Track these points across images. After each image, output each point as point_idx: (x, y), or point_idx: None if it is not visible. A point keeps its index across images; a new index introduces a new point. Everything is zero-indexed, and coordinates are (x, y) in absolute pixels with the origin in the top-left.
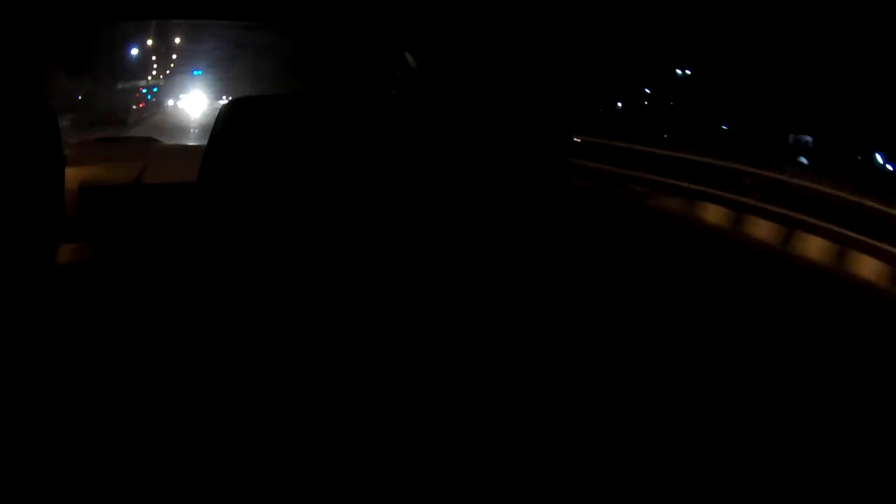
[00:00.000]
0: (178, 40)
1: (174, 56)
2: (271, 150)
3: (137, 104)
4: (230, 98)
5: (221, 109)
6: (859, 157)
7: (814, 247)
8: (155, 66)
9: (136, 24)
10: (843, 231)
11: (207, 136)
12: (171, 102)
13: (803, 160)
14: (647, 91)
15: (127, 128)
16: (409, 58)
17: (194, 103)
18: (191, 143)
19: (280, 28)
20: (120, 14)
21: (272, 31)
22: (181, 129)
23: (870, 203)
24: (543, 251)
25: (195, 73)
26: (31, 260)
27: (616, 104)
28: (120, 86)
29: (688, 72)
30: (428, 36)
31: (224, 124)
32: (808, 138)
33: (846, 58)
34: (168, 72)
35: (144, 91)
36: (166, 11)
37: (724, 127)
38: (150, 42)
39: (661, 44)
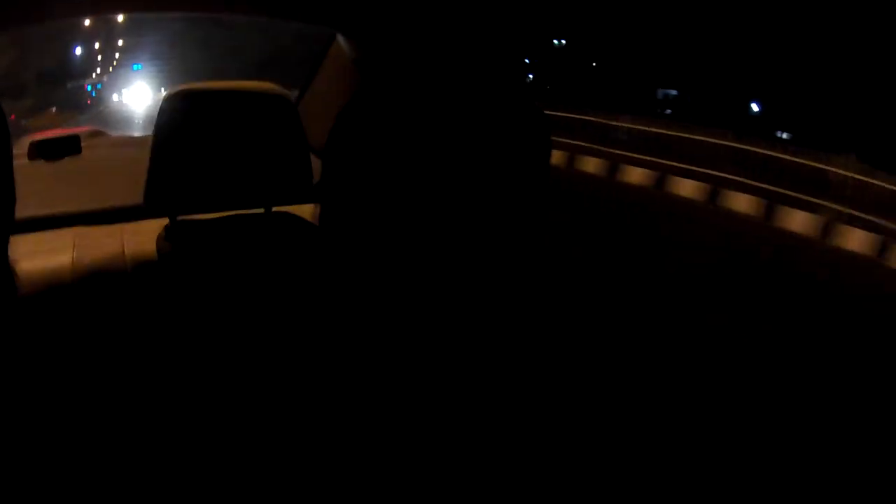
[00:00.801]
0: (120, 41)
1: (117, 55)
2: (214, 141)
3: (86, 101)
4: (171, 89)
5: (164, 101)
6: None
7: (686, 187)
8: (100, 63)
9: (81, 24)
10: (711, 172)
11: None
12: (115, 97)
13: (668, 112)
14: (527, 61)
15: (78, 121)
16: (342, 41)
17: (137, 97)
18: (136, 135)
19: (216, 20)
20: (71, 11)
21: (211, 23)
22: (126, 121)
23: (728, 143)
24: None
25: (135, 67)
26: None
27: None
28: (69, 84)
29: (563, 41)
30: (369, 22)
31: (167, 116)
32: (674, 92)
33: (720, 17)
34: (111, 68)
35: (89, 88)
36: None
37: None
38: (95, 43)
39: (539, 17)
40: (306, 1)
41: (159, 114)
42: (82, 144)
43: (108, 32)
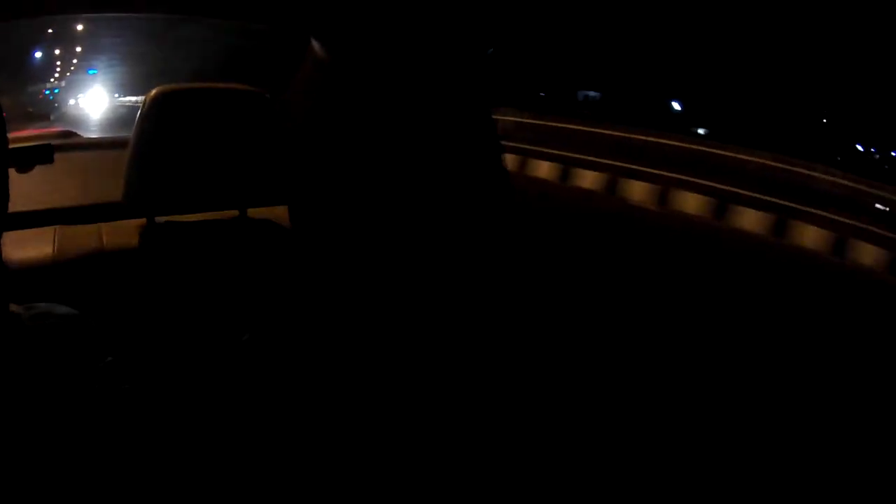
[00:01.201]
0: (78, 48)
1: (75, 60)
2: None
3: (53, 105)
4: (154, 90)
5: (146, 101)
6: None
7: (587, 179)
8: (58, 67)
9: (39, 27)
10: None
11: (107, 129)
12: (72, 101)
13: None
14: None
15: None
16: (316, 45)
17: (93, 101)
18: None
19: (178, 23)
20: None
21: (181, 26)
22: (84, 123)
23: (638, 136)
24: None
25: (90, 72)
26: None
27: None
28: (30, 88)
29: (491, 50)
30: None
31: (149, 116)
32: (595, 94)
33: (646, 20)
34: (69, 73)
35: (47, 92)
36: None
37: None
38: (54, 47)
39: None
40: (278, 4)
41: (141, 114)
42: (53, 144)
43: (68, 39)
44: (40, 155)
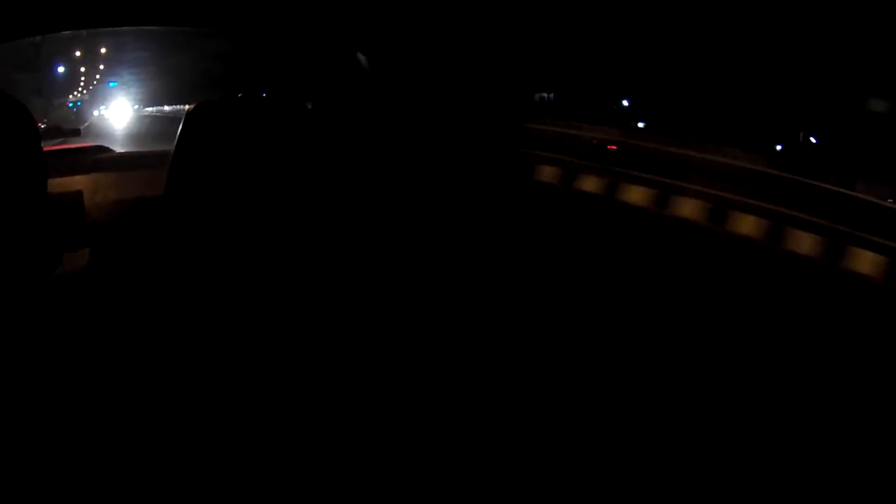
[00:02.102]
0: (103, 50)
1: (97, 76)
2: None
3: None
4: (194, 104)
5: (188, 114)
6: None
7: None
8: (82, 81)
9: (65, 46)
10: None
11: (134, 142)
12: (96, 113)
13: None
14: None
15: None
16: (362, 58)
17: (117, 112)
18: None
19: (203, 34)
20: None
21: (198, 39)
22: (109, 135)
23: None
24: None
25: (111, 84)
26: (24, 269)
27: None
28: (56, 101)
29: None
30: (380, 36)
31: (190, 130)
32: (549, 95)
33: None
34: (91, 87)
35: (70, 105)
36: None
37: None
38: (78, 53)
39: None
40: (324, 21)
41: (182, 129)
42: (89, 159)
43: (92, 55)
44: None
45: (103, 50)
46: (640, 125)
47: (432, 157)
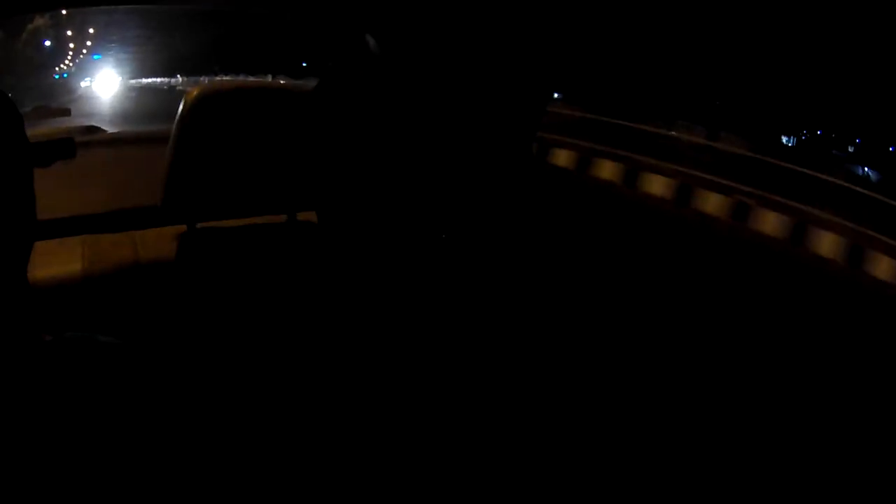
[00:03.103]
0: (88, 37)
1: (84, 50)
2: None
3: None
4: (195, 88)
5: (187, 99)
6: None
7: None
8: (70, 54)
9: (56, 20)
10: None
11: (126, 120)
12: (83, 84)
13: None
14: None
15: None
16: (370, 40)
17: (104, 83)
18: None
19: (193, 10)
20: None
21: (188, 14)
22: (99, 103)
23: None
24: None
25: (95, 56)
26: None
27: None
28: (43, 73)
29: None
30: (390, 18)
31: (190, 115)
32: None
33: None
34: (78, 59)
35: (56, 77)
36: None
37: None
38: (67, 37)
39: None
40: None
41: (181, 114)
42: (77, 141)
43: (80, 28)
44: (62, 149)
45: (91, 29)
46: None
47: (442, 143)
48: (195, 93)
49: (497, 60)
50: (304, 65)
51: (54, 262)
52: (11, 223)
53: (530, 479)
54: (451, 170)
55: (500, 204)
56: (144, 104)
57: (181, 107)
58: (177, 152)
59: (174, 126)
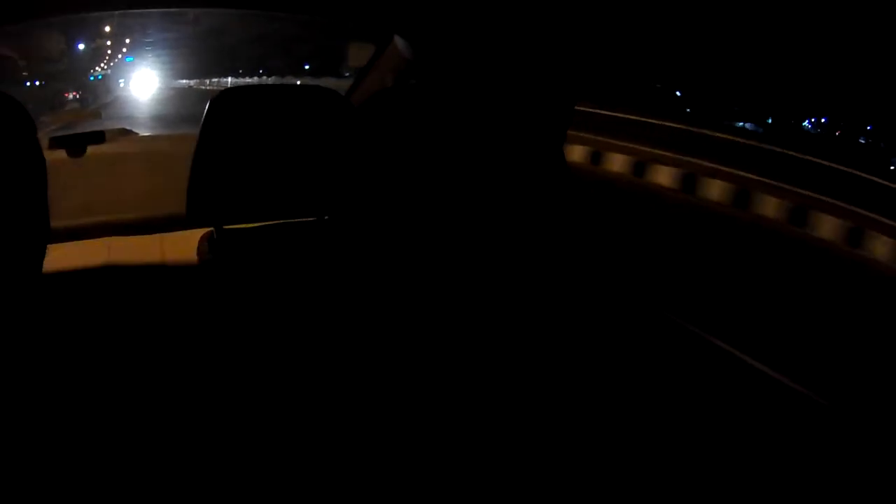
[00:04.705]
0: (127, 39)
1: (121, 52)
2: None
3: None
4: (220, 91)
5: (212, 102)
6: None
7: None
8: (107, 56)
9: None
10: None
11: (161, 124)
12: (121, 84)
13: None
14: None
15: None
16: (401, 43)
17: (139, 85)
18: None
19: (223, 15)
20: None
21: (218, 18)
22: (128, 119)
23: None
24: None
25: (128, 59)
26: (18, 267)
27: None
28: (80, 75)
29: None
30: (425, 23)
31: (215, 118)
32: None
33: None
34: (114, 62)
35: (92, 79)
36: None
37: None
38: (107, 29)
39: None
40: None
41: (206, 116)
42: (110, 144)
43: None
44: (91, 138)
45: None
46: None
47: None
48: (218, 96)
49: (529, 65)
50: (307, 67)
51: (78, 261)
52: (24, 226)
53: (530, 479)
54: (487, 175)
55: (536, 207)
56: (180, 106)
57: (205, 110)
58: (201, 156)
59: (198, 130)
